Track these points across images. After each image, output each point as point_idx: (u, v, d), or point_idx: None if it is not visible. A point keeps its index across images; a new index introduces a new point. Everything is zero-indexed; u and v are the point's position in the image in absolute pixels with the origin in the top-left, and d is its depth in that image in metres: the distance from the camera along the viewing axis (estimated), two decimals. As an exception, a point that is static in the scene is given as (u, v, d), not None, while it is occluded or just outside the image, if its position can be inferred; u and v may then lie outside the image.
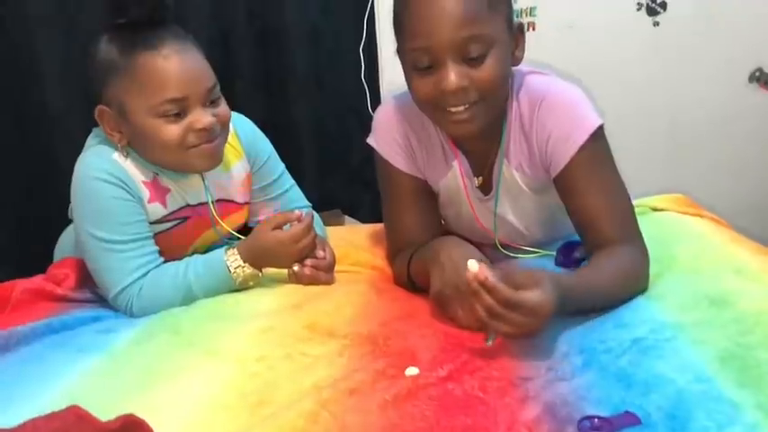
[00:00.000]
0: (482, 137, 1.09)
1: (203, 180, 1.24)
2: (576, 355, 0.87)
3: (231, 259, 1.16)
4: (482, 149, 1.14)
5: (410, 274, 1.14)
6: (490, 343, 0.90)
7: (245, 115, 1.84)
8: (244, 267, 1.16)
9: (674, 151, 2.07)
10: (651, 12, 2.05)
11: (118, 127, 1.15)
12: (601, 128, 1.06)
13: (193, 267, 1.16)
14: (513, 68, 1.08)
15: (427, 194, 1.21)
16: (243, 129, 1.31)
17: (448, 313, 1.00)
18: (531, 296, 0.84)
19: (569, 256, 1.17)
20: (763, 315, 0.88)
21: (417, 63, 1.01)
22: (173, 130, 1.11)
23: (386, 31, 2.00)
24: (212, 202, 1.25)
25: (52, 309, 1.13)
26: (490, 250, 1.21)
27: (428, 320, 1.01)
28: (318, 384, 0.83)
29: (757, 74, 2.09)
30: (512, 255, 1.23)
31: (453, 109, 1.01)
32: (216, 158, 1.18)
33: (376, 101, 2.01)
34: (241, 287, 1.17)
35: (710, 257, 1.11)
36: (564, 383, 0.81)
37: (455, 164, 1.16)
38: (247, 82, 1.91)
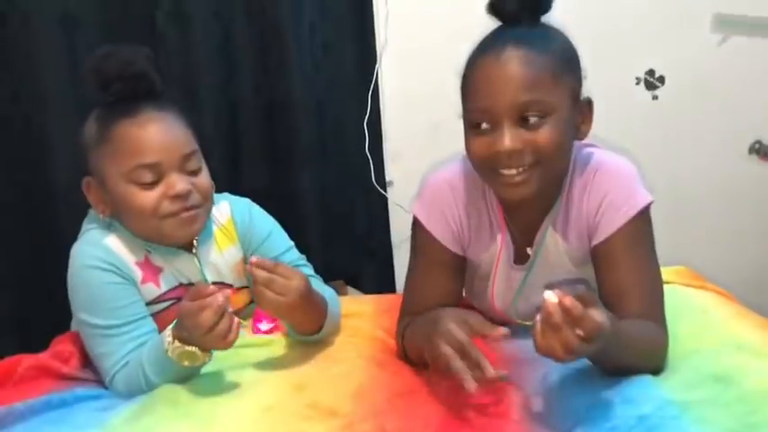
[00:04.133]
0: (534, 206, 1.08)
1: (197, 260, 1.23)
2: (581, 432, 0.85)
3: (167, 336, 1.06)
4: (531, 219, 1.13)
5: (404, 348, 1.14)
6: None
7: (250, 184, 1.89)
8: (173, 345, 1.04)
9: (675, 224, 2.07)
10: (650, 86, 2.09)
11: (101, 197, 1.16)
12: (650, 205, 1.07)
13: (147, 349, 1.10)
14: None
15: (459, 271, 1.20)
16: (240, 214, 1.31)
17: (440, 365, 0.96)
18: (595, 314, 0.82)
19: None
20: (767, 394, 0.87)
21: (475, 123, 1.02)
22: (147, 197, 1.11)
23: (389, 105, 2.06)
24: (207, 281, 1.22)
25: (54, 386, 1.12)
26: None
27: (430, 396, 1.00)
28: (318, 463, 0.82)
29: (757, 146, 2.12)
30: (518, 321, 1.21)
31: (506, 171, 1.01)
32: (193, 228, 1.17)
33: (380, 173, 2.04)
34: (188, 368, 1.06)
35: (713, 333, 1.11)
36: (569, 463, 0.79)
37: (499, 237, 1.16)
38: (254, 152, 1.95)
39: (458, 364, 0.91)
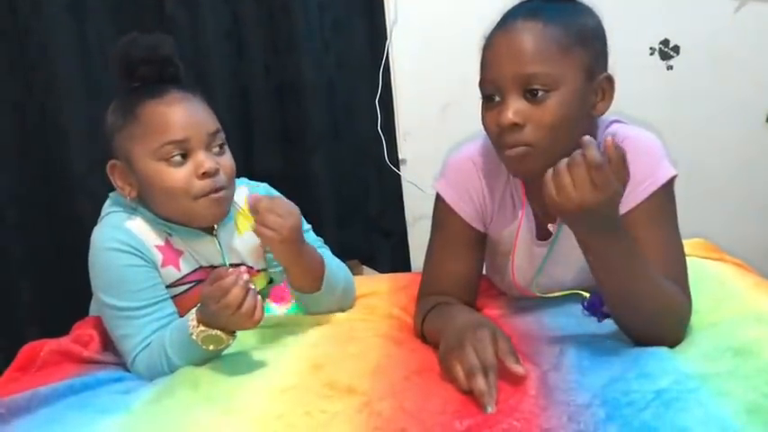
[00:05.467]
0: None
1: (218, 242, 1.24)
2: (599, 407, 0.85)
3: (191, 320, 1.06)
4: None
5: (423, 331, 1.14)
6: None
7: (263, 168, 1.90)
8: (198, 328, 1.05)
9: (691, 195, 2.04)
10: (664, 56, 2.07)
11: (127, 179, 1.17)
12: (674, 179, 1.06)
13: (169, 332, 1.11)
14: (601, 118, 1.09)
15: (480, 248, 1.21)
16: None
17: (450, 374, 0.95)
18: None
19: (600, 306, 1.13)
20: (788, 365, 0.86)
21: (487, 95, 1.04)
22: (177, 175, 1.13)
23: (401, 82, 2.05)
24: (228, 264, 1.24)
25: (76, 370, 1.13)
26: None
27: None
28: (337, 442, 0.83)
29: (774, 115, 2.09)
30: (540, 294, 1.20)
31: (509, 148, 1.01)
32: (222, 209, 1.18)
33: (392, 151, 2.04)
34: (212, 351, 1.08)
35: (732, 305, 1.10)
36: (587, 438, 0.79)
37: (520, 213, 1.16)
38: (266, 136, 1.95)
39: (481, 382, 0.88)
